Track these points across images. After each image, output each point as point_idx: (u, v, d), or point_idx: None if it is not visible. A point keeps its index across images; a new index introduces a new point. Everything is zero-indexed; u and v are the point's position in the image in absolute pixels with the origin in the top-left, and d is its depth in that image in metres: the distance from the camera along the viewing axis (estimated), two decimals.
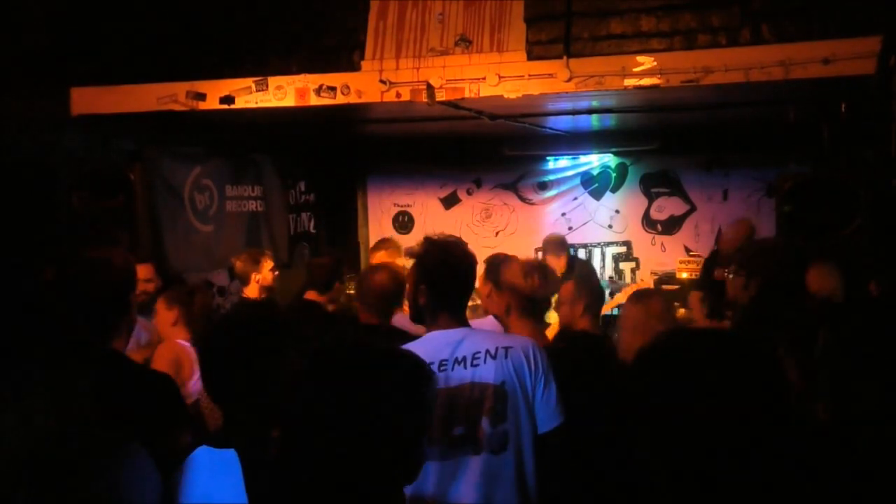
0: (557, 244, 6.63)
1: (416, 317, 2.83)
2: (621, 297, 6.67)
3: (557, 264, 6.24)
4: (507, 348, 2.65)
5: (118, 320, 2.55)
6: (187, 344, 4.06)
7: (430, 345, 2.67)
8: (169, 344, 4.10)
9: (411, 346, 2.78)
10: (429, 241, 2.81)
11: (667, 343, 1.53)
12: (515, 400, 2.60)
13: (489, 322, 3.86)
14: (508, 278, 3.76)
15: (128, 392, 2.36)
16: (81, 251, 2.58)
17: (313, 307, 4.99)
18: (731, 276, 3.78)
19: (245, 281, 5.34)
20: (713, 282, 6.04)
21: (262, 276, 5.31)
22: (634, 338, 3.64)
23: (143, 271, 4.56)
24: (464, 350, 2.64)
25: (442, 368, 2.60)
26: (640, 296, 3.92)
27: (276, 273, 5.41)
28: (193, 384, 3.94)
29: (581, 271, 6.33)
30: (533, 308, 3.76)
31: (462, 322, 2.77)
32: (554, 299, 4.43)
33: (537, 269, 3.87)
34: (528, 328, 3.62)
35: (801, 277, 3.62)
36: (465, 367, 2.61)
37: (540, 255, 6.82)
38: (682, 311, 5.84)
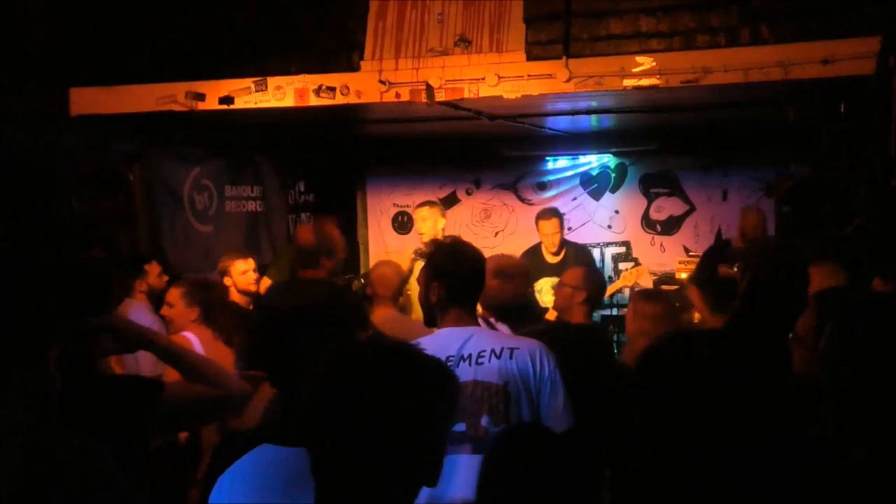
0: (547, 210, 6.53)
1: (429, 318, 2.85)
2: (623, 282, 6.68)
3: (550, 227, 6.21)
4: (512, 349, 2.66)
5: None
6: (191, 335, 4.07)
7: (440, 340, 2.69)
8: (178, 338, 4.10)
9: (421, 341, 2.80)
10: (438, 242, 2.85)
11: (665, 346, 1.54)
12: (518, 401, 2.61)
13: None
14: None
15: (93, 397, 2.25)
16: (62, 252, 2.47)
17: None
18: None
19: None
20: (718, 279, 6.01)
21: (233, 280, 5.19)
22: (640, 341, 3.63)
23: (153, 268, 4.60)
24: (470, 348, 2.66)
25: (448, 365, 2.61)
26: (646, 296, 3.87)
27: (256, 276, 5.25)
28: None
29: (580, 259, 6.26)
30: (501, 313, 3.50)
31: (472, 320, 2.79)
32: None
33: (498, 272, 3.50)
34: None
35: (793, 276, 3.58)
36: (470, 365, 2.63)
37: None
38: (691, 314, 5.78)
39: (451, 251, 2.80)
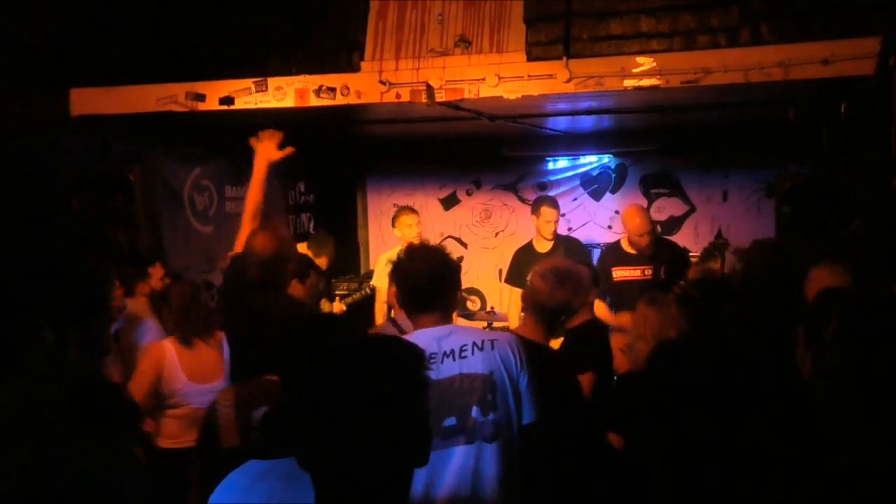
0: (550, 198, 6.60)
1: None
2: None
3: (552, 215, 6.24)
4: (492, 341, 2.72)
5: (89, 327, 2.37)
6: (167, 343, 4.12)
7: (417, 342, 2.71)
8: (151, 345, 4.20)
9: None
10: (405, 248, 2.95)
11: (662, 355, 1.55)
12: (504, 390, 2.66)
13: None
14: (528, 280, 3.49)
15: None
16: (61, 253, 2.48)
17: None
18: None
19: None
20: (613, 283, 5.85)
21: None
22: (639, 345, 3.61)
23: (156, 271, 4.62)
24: (451, 344, 2.70)
25: (431, 363, 2.64)
26: (650, 302, 3.84)
27: None
28: (180, 385, 3.99)
29: (572, 253, 6.21)
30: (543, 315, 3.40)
31: (446, 319, 2.82)
32: None
33: (554, 272, 3.40)
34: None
35: (791, 278, 3.54)
36: (454, 360, 2.67)
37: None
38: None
39: (407, 258, 2.83)
